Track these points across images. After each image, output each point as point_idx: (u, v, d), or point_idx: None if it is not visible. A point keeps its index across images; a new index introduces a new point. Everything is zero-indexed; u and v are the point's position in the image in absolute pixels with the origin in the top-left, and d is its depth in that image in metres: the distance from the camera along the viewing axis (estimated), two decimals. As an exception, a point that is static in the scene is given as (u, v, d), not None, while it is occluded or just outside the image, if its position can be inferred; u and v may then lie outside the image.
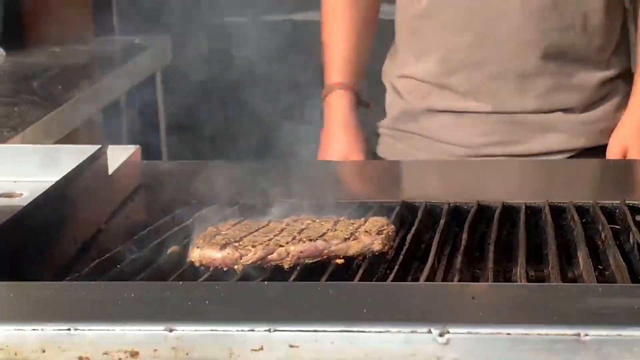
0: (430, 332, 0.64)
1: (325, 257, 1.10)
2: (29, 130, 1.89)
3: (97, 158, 1.37)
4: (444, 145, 1.76)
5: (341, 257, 1.11)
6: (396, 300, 0.75)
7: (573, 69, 1.71)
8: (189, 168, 1.61)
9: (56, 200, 1.21)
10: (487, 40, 1.68)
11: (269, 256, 1.09)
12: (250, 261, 1.09)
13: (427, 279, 1.03)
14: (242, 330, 0.68)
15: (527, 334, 0.63)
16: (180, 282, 0.97)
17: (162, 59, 2.91)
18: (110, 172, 1.41)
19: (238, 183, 1.45)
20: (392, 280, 1.01)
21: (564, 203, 1.34)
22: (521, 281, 1.02)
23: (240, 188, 1.43)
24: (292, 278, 1.07)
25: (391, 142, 1.82)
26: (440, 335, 0.64)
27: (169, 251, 1.16)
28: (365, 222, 1.18)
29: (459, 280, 1.03)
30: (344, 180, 1.65)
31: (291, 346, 0.67)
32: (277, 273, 1.09)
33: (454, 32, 1.70)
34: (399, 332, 0.65)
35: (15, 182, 1.50)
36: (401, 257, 1.10)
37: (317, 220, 1.19)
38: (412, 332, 0.64)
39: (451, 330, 0.64)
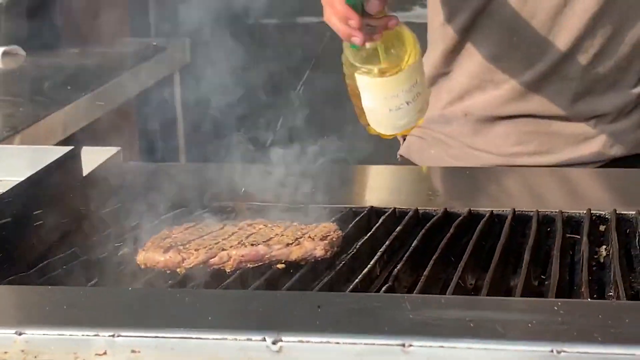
0: (264, 339, 0.66)
1: (267, 261, 1.12)
2: (29, 130, 1.94)
3: (68, 159, 1.40)
4: (476, 152, 1.75)
5: (283, 262, 1.12)
6: (237, 308, 0.76)
7: (612, 73, 1.70)
8: (173, 170, 1.63)
9: (18, 200, 1.24)
10: (535, 43, 1.68)
11: (210, 260, 1.11)
12: (192, 264, 1.11)
13: (360, 285, 1.04)
14: (87, 335, 0.70)
15: (354, 343, 0.64)
16: (31, 287, 0.99)
17: (180, 60, 2.94)
18: (85, 173, 1.44)
19: (219, 185, 1.46)
20: (319, 289, 1.03)
21: (529, 211, 1.34)
22: (452, 290, 1.03)
23: (219, 190, 1.44)
24: (228, 281, 1.08)
25: (423, 145, 1.81)
26: (274, 343, 0.65)
27: (120, 252, 1.18)
28: (315, 227, 1.19)
29: (390, 287, 1.04)
30: (336, 184, 1.64)
31: (133, 351, 0.69)
32: (218, 276, 1.11)
33: (500, 39, 1.69)
34: (235, 339, 0.66)
35: (0, 181, 1.55)
36: (341, 263, 1.11)
37: (269, 225, 1.21)
38: (247, 339, 0.66)
39: (284, 338, 0.65)
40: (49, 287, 0.97)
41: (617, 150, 1.73)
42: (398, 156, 1.87)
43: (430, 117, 1.75)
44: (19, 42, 2.76)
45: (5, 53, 2.71)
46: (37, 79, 2.46)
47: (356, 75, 1.38)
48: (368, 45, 1.37)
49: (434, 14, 1.75)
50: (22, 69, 2.63)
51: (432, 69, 1.76)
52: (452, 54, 1.74)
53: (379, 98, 1.38)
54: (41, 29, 2.81)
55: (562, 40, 1.67)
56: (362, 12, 1.36)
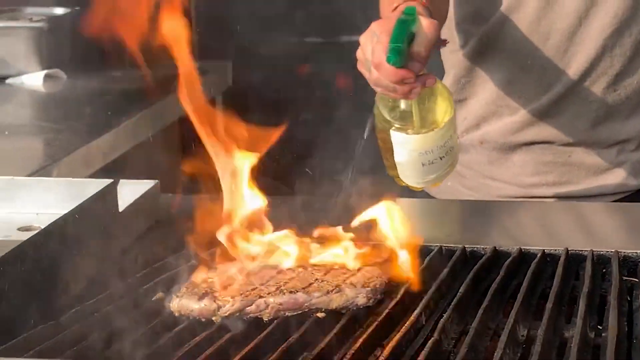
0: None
1: (306, 309, 1.07)
2: (68, 159, 1.90)
3: (105, 194, 1.36)
4: (493, 182, 1.69)
5: (323, 310, 1.07)
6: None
7: (635, 95, 1.62)
8: (211, 203, 1.58)
9: (53, 239, 1.20)
10: (550, 66, 1.61)
11: (247, 308, 1.06)
12: (227, 313, 1.06)
13: (404, 338, 0.99)
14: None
15: None
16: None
17: (222, 83, 2.90)
18: (122, 208, 1.40)
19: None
20: (362, 342, 0.97)
21: (583, 251, 1.28)
22: (503, 344, 0.97)
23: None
24: (267, 331, 1.03)
25: None
26: None
27: (154, 297, 1.14)
28: (357, 272, 1.14)
29: (436, 341, 0.98)
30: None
31: None
32: (255, 325, 1.06)
33: (513, 63, 1.63)
34: None
35: (37, 214, 1.51)
36: (385, 311, 1.06)
37: (309, 269, 1.16)
38: None
39: None
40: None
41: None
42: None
43: None
44: (61, 65, 2.74)
45: (47, 76, 2.69)
46: (77, 104, 2.43)
47: (391, 131, 1.36)
48: (404, 104, 1.34)
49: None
50: (62, 93, 2.60)
51: None
52: (466, 80, 1.68)
53: (413, 154, 1.37)
54: (83, 52, 2.78)
55: (579, 61, 1.59)
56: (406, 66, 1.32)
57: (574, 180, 1.66)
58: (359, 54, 1.37)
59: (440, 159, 1.38)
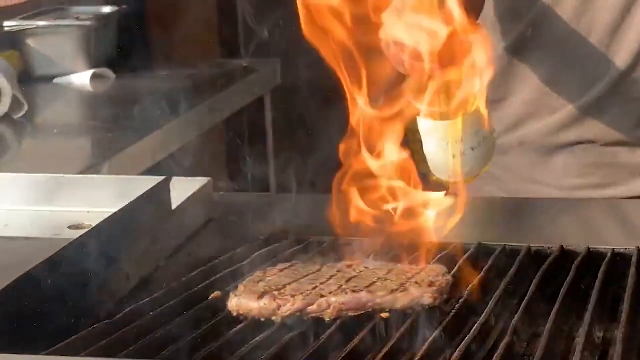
0: None
1: (369, 309, 1.02)
2: (117, 157, 1.88)
3: (158, 191, 1.33)
4: (534, 185, 1.63)
5: (387, 310, 1.02)
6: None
7: None
8: (264, 200, 1.54)
9: (105, 237, 1.17)
10: (593, 62, 1.55)
11: (308, 307, 1.02)
12: (288, 312, 1.02)
13: (474, 340, 0.94)
14: None
15: None
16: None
17: (270, 81, 2.87)
18: (174, 205, 1.37)
19: (315, 216, 1.37)
20: (429, 344, 0.93)
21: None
22: (580, 346, 0.92)
23: (315, 222, 1.35)
24: (329, 332, 0.99)
25: (476, 182, 1.70)
26: None
27: (210, 297, 1.10)
28: (421, 270, 1.09)
29: (508, 343, 0.93)
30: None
31: None
32: (316, 325, 1.02)
33: (554, 60, 1.58)
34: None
35: (88, 212, 1.48)
36: (451, 311, 1.01)
37: (371, 267, 1.11)
38: None
39: None
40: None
41: None
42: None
43: None
44: (108, 64, 2.72)
45: (94, 75, 2.67)
46: (125, 103, 2.41)
47: (418, 118, 1.30)
48: (431, 88, 1.30)
49: None
50: (110, 92, 2.58)
51: None
52: (503, 79, 1.62)
53: (441, 143, 1.30)
54: (131, 51, 2.77)
55: (622, 56, 1.53)
56: None
57: (618, 181, 1.60)
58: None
59: (472, 149, 1.32)
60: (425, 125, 1.31)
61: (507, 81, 1.62)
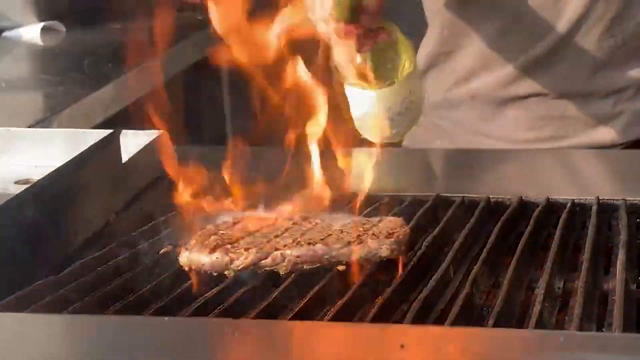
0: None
1: (326, 262, 0.99)
2: (68, 111, 1.82)
3: (107, 144, 1.29)
4: (486, 139, 1.61)
5: (344, 263, 0.99)
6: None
7: (633, 39, 1.54)
8: (222, 153, 1.50)
9: (51, 191, 1.13)
10: (544, 13, 1.52)
11: (262, 261, 0.99)
12: (241, 266, 0.98)
13: (433, 291, 0.92)
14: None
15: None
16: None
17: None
18: (125, 159, 1.33)
19: (272, 170, 1.34)
20: (388, 295, 0.90)
21: (615, 200, 1.20)
22: (541, 297, 0.90)
23: (272, 175, 1.32)
24: (284, 285, 0.96)
25: (427, 136, 1.67)
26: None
27: (160, 251, 1.06)
28: (379, 222, 1.06)
29: (468, 294, 0.91)
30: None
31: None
32: (271, 279, 0.99)
33: (505, 11, 1.54)
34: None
35: (35, 167, 1.44)
36: (409, 263, 0.98)
37: (327, 220, 1.08)
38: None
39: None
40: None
41: (638, 132, 1.58)
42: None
43: (433, 102, 1.62)
44: (59, 17, 2.65)
45: (44, 29, 2.60)
46: (76, 56, 2.35)
47: (345, 86, 1.29)
48: (359, 57, 1.27)
49: None
50: (61, 46, 2.51)
51: (433, 48, 1.61)
52: (453, 31, 1.58)
53: (369, 110, 1.30)
54: (81, 3, 2.70)
55: (573, 6, 1.50)
56: (356, 20, 1.25)
57: (570, 134, 1.58)
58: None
59: (399, 115, 1.33)
60: (352, 93, 1.32)
61: (456, 33, 1.58)
